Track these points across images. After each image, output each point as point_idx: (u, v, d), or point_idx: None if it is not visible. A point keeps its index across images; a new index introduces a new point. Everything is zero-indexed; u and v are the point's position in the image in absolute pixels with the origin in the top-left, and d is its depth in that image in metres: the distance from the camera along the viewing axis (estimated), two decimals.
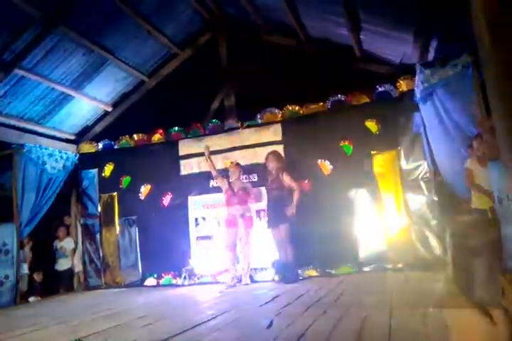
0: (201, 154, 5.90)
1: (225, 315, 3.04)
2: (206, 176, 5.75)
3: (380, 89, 5.29)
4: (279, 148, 5.42)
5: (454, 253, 3.24)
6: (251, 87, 5.84)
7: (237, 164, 5.34)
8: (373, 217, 5.05)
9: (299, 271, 4.95)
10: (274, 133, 5.67)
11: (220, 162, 5.74)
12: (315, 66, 5.60)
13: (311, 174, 5.31)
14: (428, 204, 4.77)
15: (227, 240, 5.06)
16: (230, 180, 5.13)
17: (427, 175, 4.80)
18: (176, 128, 6.25)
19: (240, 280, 4.97)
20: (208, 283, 5.47)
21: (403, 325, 2.21)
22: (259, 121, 5.88)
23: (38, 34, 4.77)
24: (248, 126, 5.91)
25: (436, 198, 4.69)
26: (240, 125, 5.99)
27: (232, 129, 6.00)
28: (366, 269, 4.92)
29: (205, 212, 5.89)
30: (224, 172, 5.33)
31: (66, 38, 5.08)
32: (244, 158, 5.75)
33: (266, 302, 3.44)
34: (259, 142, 5.72)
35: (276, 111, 5.80)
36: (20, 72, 5.07)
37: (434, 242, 4.67)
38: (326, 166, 5.35)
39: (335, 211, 5.03)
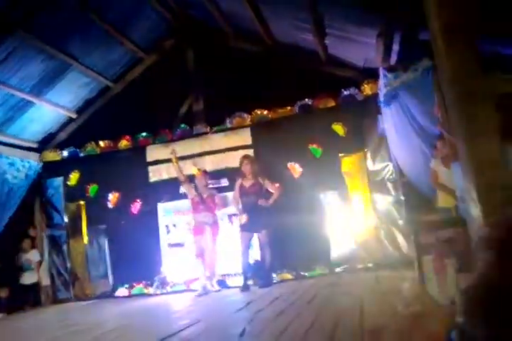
0: (170, 160, 5.84)
1: (198, 324, 3.00)
2: (176, 182, 5.67)
3: (345, 93, 5.40)
4: (250, 152, 5.42)
5: (415, 251, 3.33)
6: (219, 92, 5.82)
7: (204, 171, 5.29)
8: (343, 217, 5.13)
9: (273, 275, 4.96)
10: (243, 137, 5.68)
11: (189, 167, 5.68)
12: (282, 71, 5.63)
13: (281, 177, 5.34)
14: (395, 204, 4.89)
15: (196, 248, 5.00)
16: (197, 187, 5.08)
17: (393, 175, 4.92)
18: (144, 134, 6.16)
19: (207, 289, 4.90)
20: (181, 291, 5.39)
21: (374, 323, 2.25)
22: (228, 125, 5.87)
23: None
24: (217, 131, 5.88)
25: (403, 198, 4.82)
26: (208, 129, 5.95)
27: (200, 134, 5.96)
28: (338, 270, 4.98)
29: (176, 218, 5.81)
30: (192, 179, 5.27)
31: (26, 43, 4.92)
32: (214, 162, 5.73)
33: (239, 309, 3.42)
34: (229, 146, 5.71)
35: (245, 115, 5.81)
36: None
37: (402, 241, 4.79)
38: (295, 169, 5.40)
39: (306, 213, 5.07)
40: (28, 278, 5.94)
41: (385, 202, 5.02)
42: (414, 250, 3.52)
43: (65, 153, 6.30)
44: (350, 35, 4.66)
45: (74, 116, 6.44)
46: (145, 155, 6.01)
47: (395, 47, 4.11)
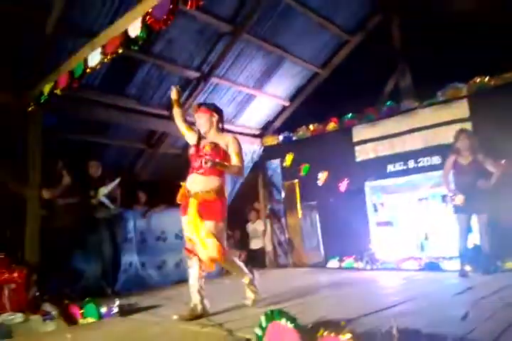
0: (376, 139, 5.86)
1: (412, 302, 3.01)
2: (383, 160, 5.66)
3: None
4: (467, 126, 4.90)
5: None
6: (428, 63, 5.44)
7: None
8: None
9: (498, 263, 4.45)
10: (458, 110, 5.16)
11: (401, 145, 5.53)
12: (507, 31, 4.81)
13: (506, 154, 4.64)
14: None
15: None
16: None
17: None
18: (350, 115, 6.30)
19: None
20: (391, 269, 5.41)
21: None
22: (440, 98, 5.42)
23: (226, 45, 5.49)
24: (427, 106, 5.53)
25: None
26: (417, 105, 5.65)
27: (409, 110, 5.71)
28: None
29: (384, 197, 5.81)
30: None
31: (250, 44, 5.69)
32: (424, 139, 5.42)
33: (458, 293, 3.25)
34: (441, 121, 5.29)
35: (461, 85, 5.24)
36: (215, 80, 5.91)
37: None
38: None
39: None
40: (255, 244, 7.03)
41: None
42: None
43: (281, 138, 7.07)
44: None
45: (287, 104, 7.09)
46: (351, 136, 6.17)
47: None
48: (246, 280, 3.22)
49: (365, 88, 6.07)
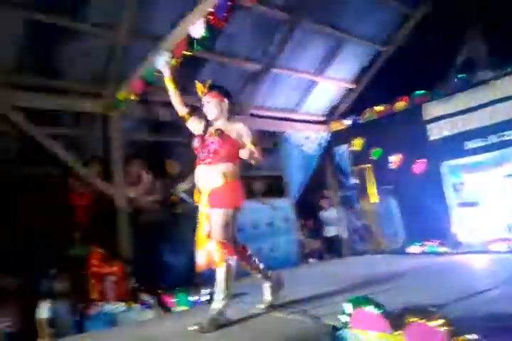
0: (450, 115, 5.53)
1: (506, 286, 2.84)
2: (460, 138, 5.33)
3: None
4: None
5: None
6: (504, 30, 4.97)
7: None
8: None
9: None
10: None
11: (477, 120, 5.16)
12: None
13: None
14: None
15: None
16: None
17: None
18: (419, 91, 5.99)
19: None
20: (477, 252, 5.11)
21: None
22: None
23: (285, 33, 5.47)
24: (506, 74, 5.07)
25: None
26: (494, 75, 5.20)
27: (483, 82, 5.28)
28: None
29: (465, 176, 5.48)
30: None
31: (308, 30, 5.62)
32: (506, 111, 5.00)
33: None
34: None
35: None
36: (276, 70, 5.92)
37: None
38: None
39: None
40: (329, 232, 7.00)
41: None
42: None
43: (348, 122, 6.91)
44: None
45: (352, 86, 6.91)
46: (422, 114, 5.88)
47: None
48: (216, 305, 2.65)
49: (434, 62, 5.72)
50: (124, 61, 4.38)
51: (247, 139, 2.74)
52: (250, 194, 6.06)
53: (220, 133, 2.69)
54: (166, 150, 5.83)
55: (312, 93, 6.68)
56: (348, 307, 2.17)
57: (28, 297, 3.61)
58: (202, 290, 3.52)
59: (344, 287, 3.30)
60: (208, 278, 4.97)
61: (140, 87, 3.84)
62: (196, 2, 3.24)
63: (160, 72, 3.09)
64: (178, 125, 5.83)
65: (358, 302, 2.16)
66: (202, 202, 2.68)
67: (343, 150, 6.98)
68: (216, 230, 2.59)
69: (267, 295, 2.94)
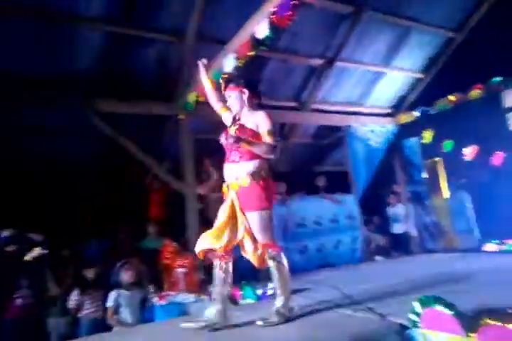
0: None
1: None
2: None
3: None
4: None
5: None
6: None
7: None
8: None
9: None
10: None
11: None
12: None
13: None
14: None
15: None
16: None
17: None
18: (497, 78, 5.56)
19: None
20: None
21: None
22: None
23: (349, 26, 5.37)
24: None
25: None
26: None
27: None
28: None
29: None
30: None
31: (372, 21, 5.46)
32: None
33: None
34: None
35: None
36: (340, 64, 5.82)
37: None
38: None
39: None
40: (397, 229, 6.74)
41: None
42: None
43: (417, 113, 6.61)
44: None
45: (420, 76, 6.62)
46: (501, 102, 5.47)
47: None
48: (279, 301, 2.59)
49: (511, 48, 5.26)
50: (192, 64, 4.56)
51: (262, 128, 2.59)
52: (314, 189, 6.06)
53: (239, 127, 2.58)
54: None
55: (378, 85, 6.52)
56: (418, 307, 2.12)
57: (105, 286, 3.93)
58: (268, 284, 3.60)
59: (412, 285, 3.20)
60: (269, 273, 5.12)
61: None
62: (260, 3, 3.29)
63: (227, 73, 3.17)
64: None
65: (428, 302, 2.10)
66: (226, 202, 2.63)
67: (411, 143, 6.70)
68: (258, 234, 2.57)
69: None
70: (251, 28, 3.30)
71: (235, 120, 2.66)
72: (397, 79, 6.56)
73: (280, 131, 6.64)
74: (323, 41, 5.52)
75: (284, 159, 6.97)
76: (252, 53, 3.34)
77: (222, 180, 2.77)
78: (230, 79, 2.80)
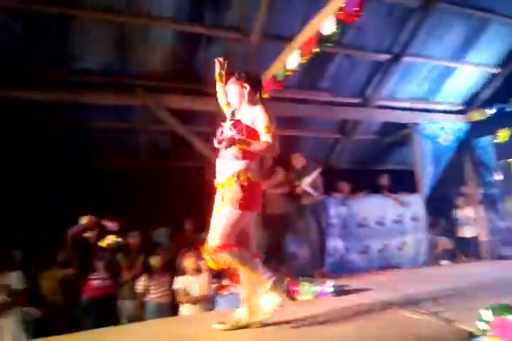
0: None
1: None
2: None
3: None
4: None
5: None
6: None
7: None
8: None
9: None
10: None
11: None
12: None
13: None
14: None
15: None
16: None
17: None
18: None
19: None
20: None
21: None
22: None
23: (418, 20, 5.15)
24: None
25: None
26: None
27: None
28: None
29: None
30: None
31: (443, 13, 5.20)
32: None
33: None
34: None
35: None
36: (407, 59, 5.61)
37: None
38: None
39: None
40: (465, 232, 6.37)
41: None
42: None
43: (491, 111, 6.18)
44: None
45: (496, 71, 6.20)
46: None
47: None
48: (266, 286, 2.38)
49: None
50: (259, 61, 4.65)
51: (260, 124, 2.37)
52: (376, 188, 5.90)
53: (233, 124, 2.42)
54: (291, 144, 6.02)
55: (448, 80, 6.20)
56: (488, 314, 2.02)
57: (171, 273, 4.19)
58: (327, 282, 3.59)
59: (480, 292, 3.04)
60: (332, 269, 5.08)
61: (270, 85, 4.02)
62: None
63: (292, 71, 3.18)
64: (296, 119, 6.00)
65: (499, 310, 1.99)
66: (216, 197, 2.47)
67: (485, 142, 6.29)
68: (213, 227, 2.39)
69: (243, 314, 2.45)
70: (316, 24, 3.27)
71: (233, 115, 2.51)
72: (469, 74, 6.20)
73: (341, 127, 6.54)
74: (390, 36, 5.36)
75: (345, 156, 6.85)
76: (316, 50, 3.32)
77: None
78: (231, 72, 2.62)
